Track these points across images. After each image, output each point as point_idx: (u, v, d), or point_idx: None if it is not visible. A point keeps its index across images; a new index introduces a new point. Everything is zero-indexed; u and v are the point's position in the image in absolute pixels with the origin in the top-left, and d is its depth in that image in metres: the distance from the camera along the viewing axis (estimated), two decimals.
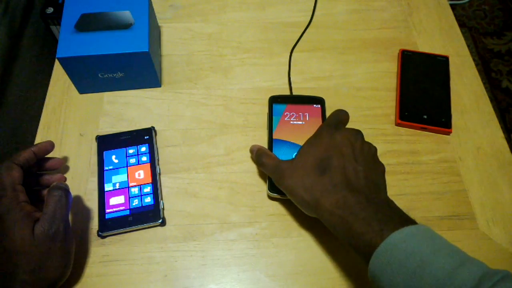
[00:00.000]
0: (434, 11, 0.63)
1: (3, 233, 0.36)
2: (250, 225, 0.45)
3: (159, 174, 0.47)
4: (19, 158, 0.40)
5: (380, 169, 0.40)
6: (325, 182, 0.38)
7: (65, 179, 0.45)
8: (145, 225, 0.44)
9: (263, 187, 0.47)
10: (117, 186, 0.46)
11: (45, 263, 0.36)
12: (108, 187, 0.46)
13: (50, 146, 0.43)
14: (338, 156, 0.39)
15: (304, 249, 0.44)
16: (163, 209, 0.45)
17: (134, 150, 0.48)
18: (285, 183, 0.40)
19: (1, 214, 0.36)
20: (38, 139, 0.50)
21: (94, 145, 0.49)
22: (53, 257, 0.37)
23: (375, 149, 0.41)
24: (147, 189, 0.46)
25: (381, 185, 0.39)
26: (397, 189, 0.48)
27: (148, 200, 0.45)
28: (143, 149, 0.48)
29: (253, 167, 0.49)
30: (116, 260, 0.43)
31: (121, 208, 0.45)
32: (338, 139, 0.40)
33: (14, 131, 0.59)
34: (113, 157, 0.48)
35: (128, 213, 0.44)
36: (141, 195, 0.45)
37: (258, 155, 0.45)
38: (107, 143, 0.49)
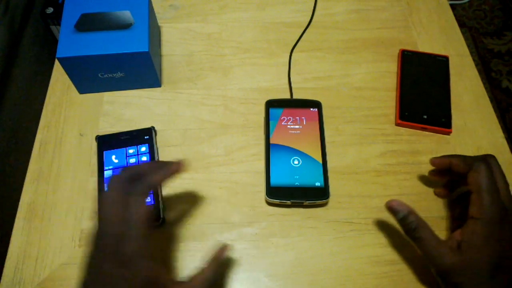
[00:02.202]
0: (434, 11, 0.63)
1: None
2: (250, 225, 0.45)
3: None
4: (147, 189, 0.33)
5: None
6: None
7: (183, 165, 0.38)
8: None
9: (263, 187, 0.47)
10: None
11: None
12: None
13: (181, 167, 0.37)
14: (510, 256, 0.36)
15: (304, 249, 0.44)
16: (163, 209, 0.45)
17: (134, 150, 0.48)
18: (453, 281, 0.36)
19: None
20: (38, 139, 0.50)
21: (94, 145, 0.49)
22: None
23: None
24: None
25: None
26: (397, 189, 0.48)
27: (148, 200, 0.45)
28: (143, 149, 0.48)
29: (253, 167, 0.49)
30: None
31: None
32: (509, 233, 0.36)
33: (14, 131, 0.59)
34: (113, 157, 0.48)
35: None
36: None
37: (413, 226, 0.38)
38: (107, 143, 0.49)
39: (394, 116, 0.53)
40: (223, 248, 0.38)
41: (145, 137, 0.49)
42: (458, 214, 0.44)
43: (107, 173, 0.47)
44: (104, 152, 0.48)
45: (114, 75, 0.51)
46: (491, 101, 1.18)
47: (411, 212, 0.39)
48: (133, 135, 0.49)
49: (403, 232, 0.39)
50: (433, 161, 0.45)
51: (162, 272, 0.32)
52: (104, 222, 0.31)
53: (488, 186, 0.37)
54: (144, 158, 0.47)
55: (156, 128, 0.50)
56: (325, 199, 0.45)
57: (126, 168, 0.34)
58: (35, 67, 0.66)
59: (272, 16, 0.62)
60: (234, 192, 0.47)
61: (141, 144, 0.48)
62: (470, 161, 0.40)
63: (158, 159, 0.48)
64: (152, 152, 0.48)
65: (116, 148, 0.48)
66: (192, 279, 0.35)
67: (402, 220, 0.39)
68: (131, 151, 0.48)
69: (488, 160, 0.40)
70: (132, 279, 0.30)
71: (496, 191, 0.37)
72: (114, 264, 0.30)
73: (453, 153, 0.45)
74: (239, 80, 0.56)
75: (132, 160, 0.47)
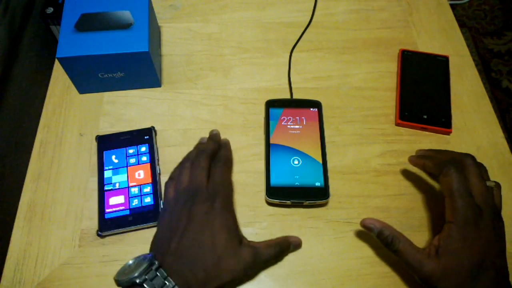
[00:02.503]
0: (434, 11, 0.63)
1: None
2: (250, 225, 0.45)
3: (159, 174, 0.47)
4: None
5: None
6: None
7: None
8: (145, 225, 0.44)
9: (263, 187, 0.47)
10: (117, 186, 0.46)
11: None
12: (108, 187, 0.46)
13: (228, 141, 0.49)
14: (490, 255, 0.36)
15: (304, 249, 0.44)
16: None
17: (134, 150, 0.48)
18: (435, 286, 0.36)
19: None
20: (38, 139, 0.50)
21: (94, 145, 0.49)
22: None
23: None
24: (147, 189, 0.46)
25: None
26: (397, 189, 0.48)
27: (148, 200, 0.45)
28: (143, 149, 0.48)
29: (253, 167, 0.49)
30: (116, 260, 0.43)
31: (121, 208, 0.45)
32: (488, 231, 0.37)
33: (14, 131, 0.59)
34: (113, 157, 0.48)
35: (128, 213, 0.44)
36: (141, 195, 0.45)
37: (389, 239, 0.39)
38: (107, 143, 0.49)
39: (394, 116, 0.53)
40: (296, 238, 0.44)
41: (145, 137, 0.49)
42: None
43: (107, 173, 0.47)
44: (104, 152, 0.48)
45: (114, 75, 0.51)
46: (491, 101, 1.18)
47: (385, 226, 0.40)
48: (133, 135, 0.49)
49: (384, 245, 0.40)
50: (410, 160, 0.45)
51: (238, 226, 0.40)
52: (196, 184, 0.40)
53: (458, 189, 0.37)
54: (144, 158, 0.47)
55: (156, 128, 0.50)
56: (325, 199, 0.45)
57: (203, 150, 0.44)
58: (35, 67, 0.66)
59: (272, 16, 0.62)
60: (234, 192, 0.47)
61: (141, 144, 0.48)
62: (441, 164, 0.40)
63: (158, 159, 0.48)
64: (152, 152, 0.48)
65: (116, 148, 0.48)
66: (262, 242, 0.41)
67: (378, 236, 0.40)
68: (131, 151, 0.48)
69: (461, 162, 0.40)
70: (222, 223, 0.37)
71: (468, 193, 0.37)
72: (207, 212, 0.38)
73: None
74: (239, 80, 0.56)
75: (132, 160, 0.47)
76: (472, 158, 0.40)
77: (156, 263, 0.34)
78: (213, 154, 0.45)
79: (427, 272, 0.36)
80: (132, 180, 0.46)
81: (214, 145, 0.46)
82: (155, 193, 0.45)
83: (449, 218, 0.38)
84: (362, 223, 0.41)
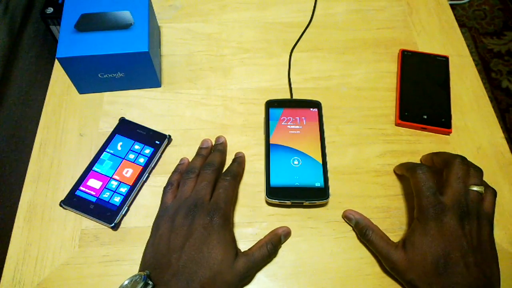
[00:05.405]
0: (434, 11, 0.63)
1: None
2: (250, 225, 0.45)
3: (144, 182, 0.47)
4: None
5: (496, 256, 0.38)
6: (444, 284, 0.36)
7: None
8: (98, 221, 0.44)
9: (263, 187, 0.47)
10: (104, 171, 0.46)
11: None
12: (96, 167, 0.46)
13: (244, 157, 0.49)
14: (456, 251, 0.37)
15: (304, 249, 0.44)
16: (123, 215, 0.45)
17: (139, 147, 0.48)
18: (405, 278, 0.39)
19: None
20: (38, 139, 0.50)
21: (94, 145, 0.49)
22: None
23: (490, 228, 0.39)
24: (123, 189, 0.45)
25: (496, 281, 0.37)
26: (397, 189, 0.48)
27: (117, 200, 0.45)
28: (147, 151, 0.48)
29: (253, 167, 0.49)
30: (116, 260, 0.43)
31: (92, 192, 0.45)
32: (452, 227, 0.37)
33: (14, 131, 0.59)
34: (120, 144, 0.48)
35: (93, 200, 0.44)
36: (115, 192, 0.45)
37: (364, 229, 0.43)
38: (124, 128, 0.49)
39: (394, 116, 0.53)
40: (285, 227, 0.44)
41: (156, 142, 0.49)
42: None
43: (105, 155, 0.47)
44: (116, 134, 0.49)
45: (114, 75, 0.51)
46: (491, 101, 1.18)
47: (361, 218, 0.44)
48: (149, 134, 0.49)
49: (359, 235, 0.44)
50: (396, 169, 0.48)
51: (235, 240, 0.41)
52: (199, 197, 0.40)
53: (421, 189, 0.40)
54: (142, 160, 0.47)
55: (156, 129, 0.50)
56: (325, 199, 0.45)
57: (211, 163, 0.44)
58: (35, 67, 0.66)
59: (272, 16, 0.62)
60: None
61: (148, 145, 0.48)
62: (410, 169, 0.43)
63: (153, 167, 0.48)
64: (152, 158, 0.48)
65: (127, 137, 0.48)
66: (253, 246, 0.42)
67: (355, 226, 0.44)
68: (136, 147, 0.48)
69: (449, 162, 0.42)
70: (219, 240, 0.38)
71: (431, 192, 0.40)
72: (205, 227, 0.38)
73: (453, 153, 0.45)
74: (239, 80, 0.56)
75: (131, 156, 0.47)
76: (461, 159, 0.42)
77: (151, 283, 0.35)
78: (221, 168, 0.45)
79: (393, 261, 0.40)
80: (117, 173, 0.46)
81: (221, 157, 0.46)
82: (127, 197, 0.45)
83: (415, 215, 0.41)
84: (343, 214, 0.45)
